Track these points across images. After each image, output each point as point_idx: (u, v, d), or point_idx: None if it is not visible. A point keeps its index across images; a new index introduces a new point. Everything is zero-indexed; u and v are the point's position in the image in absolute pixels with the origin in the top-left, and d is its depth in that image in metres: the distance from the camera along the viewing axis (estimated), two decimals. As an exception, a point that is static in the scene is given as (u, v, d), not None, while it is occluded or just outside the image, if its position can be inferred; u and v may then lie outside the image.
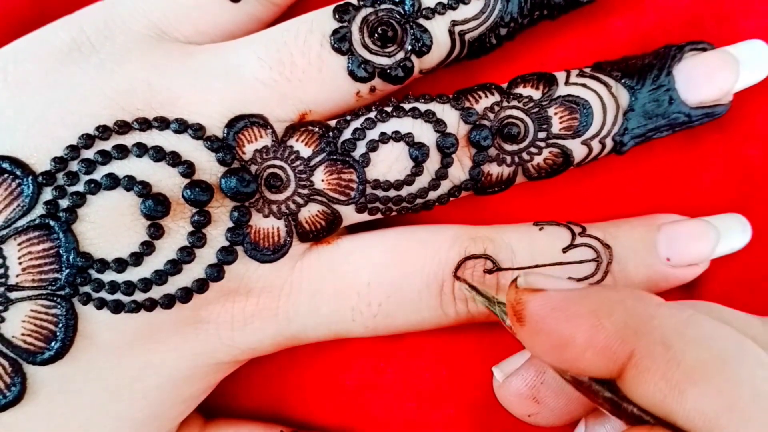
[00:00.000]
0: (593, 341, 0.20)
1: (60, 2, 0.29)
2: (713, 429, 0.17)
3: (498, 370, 0.26)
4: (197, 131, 0.25)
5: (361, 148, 0.27)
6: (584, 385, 0.21)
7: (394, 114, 0.27)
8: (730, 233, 0.29)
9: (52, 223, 0.24)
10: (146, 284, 0.25)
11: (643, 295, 0.21)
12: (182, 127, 0.25)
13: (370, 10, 0.27)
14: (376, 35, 0.27)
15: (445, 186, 0.27)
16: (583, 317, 0.20)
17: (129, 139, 0.25)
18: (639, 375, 0.19)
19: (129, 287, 0.24)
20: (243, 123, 0.26)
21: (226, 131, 0.26)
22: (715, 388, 0.18)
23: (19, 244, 0.24)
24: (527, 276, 0.23)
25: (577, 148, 0.27)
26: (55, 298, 0.24)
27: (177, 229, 0.25)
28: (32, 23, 0.28)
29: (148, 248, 0.25)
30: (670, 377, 0.18)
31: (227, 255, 0.25)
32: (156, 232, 0.25)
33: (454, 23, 0.27)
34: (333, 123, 0.27)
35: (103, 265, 0.24)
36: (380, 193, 0.27)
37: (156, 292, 0.25)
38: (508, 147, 0.27)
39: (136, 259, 0.25)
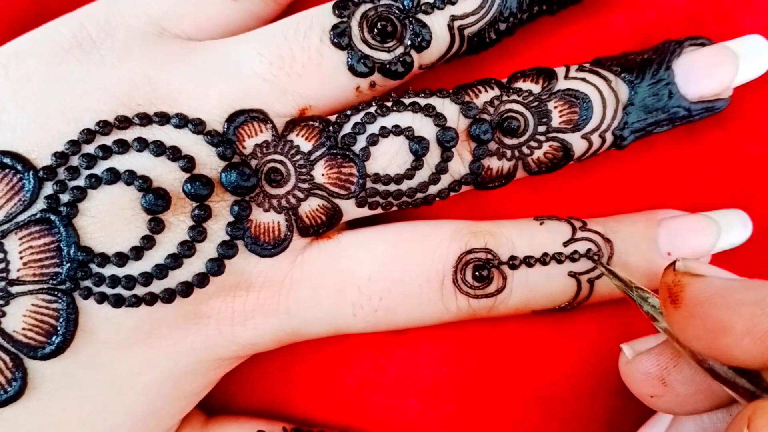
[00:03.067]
0: (753, 329, 0.20)
1: (60, 1, 0.29)
2: None
3: (628, 347, 0.26)
4: (197, 126, 0.25)
5: (361, 142, 0.27)
6: (722, 374, 0.21)
7: (394, 108, 0.27)
8: (731, 228, 0.29)
9: (53, 217, 0.24)
10: (147, 278, 0.25)
11: None
12: (182, 121, 0.25)
13: (369, 5, 0.27)
14: (375, 30, 0.27)
15: (445, 180, 0.27)
16: (745, 305, 0.20)
17: (129, 134, 0.25)
18: None
19: (130, 281, 0.24)
20: (243, 118, 0.26)
21: (226, 126, 0.26)
22: None
23: (20, 239, 0.24)
24: (686, 261, 0.23)
25: (577, 142, 0.27)
26: (55, 293, 0.24)
27: (177, 224, 0.25)
28: (33, 22, 0.28)
29: (148, 242, 0.25)
30: None
31: (228, 249, 0.25)
32: (156, 226, 0.25)
33: (454, 18, 0.27)
34: (333, 118, 0.27)
35: (103, 259, 0.24)
36: (380, 187, 0.27)
37: (156, 287, 0.25)
38: (508, 141, 0.27)
39: (137, 253, 0.25)
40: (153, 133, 0.25)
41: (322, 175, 0.26)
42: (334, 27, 0.27)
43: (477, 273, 0.27)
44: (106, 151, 0.25)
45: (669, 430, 0.27)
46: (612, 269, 0.27)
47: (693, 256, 0.29)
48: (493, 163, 0.27)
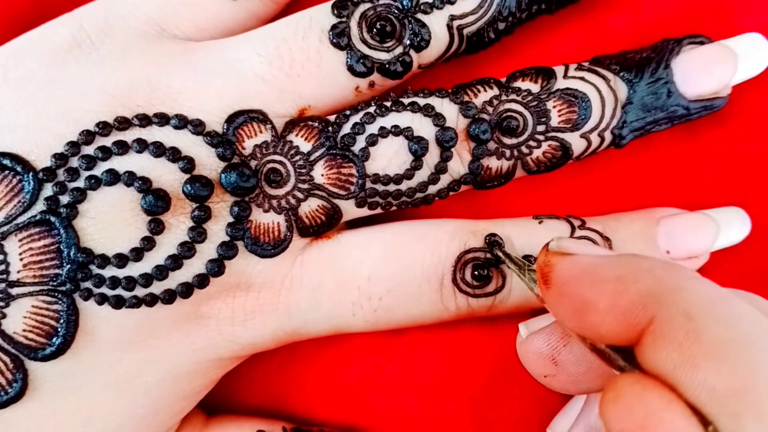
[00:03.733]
0: (615, 306, 0.19)
1: (60, 1, 0.29)
2: (720, 408, 0.17)
3: (524, 326, 0.26)
4: (197, 127, 0.25)
5: (360, 142, 0.27)
6: (603, 352, 0.20)
7: (393, 108, 0.27)
8: (730, 226, 0.29)
9: (52, 219, 0.24)
10: (147, 279, 0.25)
11: (676, 266, 0.20)
12: (182, 122, 0.25)
13: (368, 5, 0.27)
14: (374, 30, 0.27)
15: (444, 180, 0.27)
16: (608, 282, 0.20)
17: (129, 135, 0.25)
18: (654, 342, 0.18)
19: (130, 282, 0.25)
20: (243, 118, 0.26)
21: (225, 127, 0.26)
22: (730, 368, 0.17)
23: (20, 240, 0.24)
24: (560, 240, 0.23)
25: (576, 141, 0.28)
26: (56, 294, 0.24)
27: (177, 225, 0.25)
28: (32, 22, 0.28)
29: (148, 243, 0.25)
30: (686, 349, 0.17)
31: (228, 250, 0.25)
32: (156, 227, 0.25)
33: (453, 18, 0.27)
34: (332, 118, 0.27)
35: (103, 260, 0.24)
36: (380, 187, 0.27)
37: (157, 288, 0.25)
38: (508, 140, 0.27)
39: (137, 254, 0.25)
40: (152, 134, 0.25)
41: (322, 175, 0.26)
42: (333, 27, 0.27)
43: (476, 272, 0.27)
44: (106, 153, 0.25)
45: (581, 413, 0.27)
46: (506, 251, 0.27)
47: (692, 254, 0.29)
48: (493, 163, 0.27)
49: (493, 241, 0.28)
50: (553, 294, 0.21)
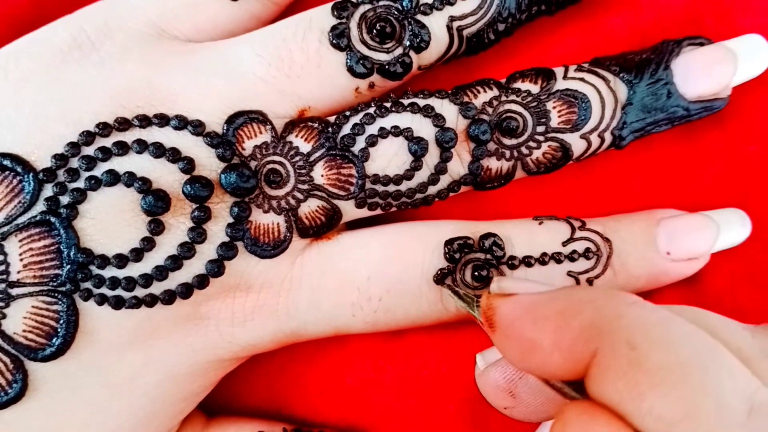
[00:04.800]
0: (559, 343, 0.19)
1: (60, 2, 0.29)
2: None
3: (481, 357, 0.26)
4: (197, 127, 0.25)
5: (360, 143, 0.27)
6: (555, 385, 0.20)
7: (393, 109, 0.27)
8: (730, 227, 0.29)
9: (52, 219, 0.24)
10: (147, 280, 0.25)
11: (616, 294, 0.20)
12: (182, 123, 0.25)
13: (368, 6, 0.27)
14: (374, 31, 0.27)
15: (444, 181, 0.27)
16: (549, 319, 0.20)
17: (129, 136, 0.25)
18: (600, 374, 0.18)
19: (129, 283, 0.25)
20: (242, 119, 0.26)
21: (225, 127, 0.26)
22: (676, 394, 0.17)
23: (20, 241, 0.24)
24: (500, 281, 0.23)
25: (576, 142, 0.28)
26: (56, 294, 0.24)
27: (177, 225, 0.25)
28: (32, 23, 0.28)
29: (148, 244, 0.25)
30: (630, 378, 0.17)
31: (227, 250, 0.25)
32: (156, 227, 0.25)
33: (452, 19, 0.27)
34: (332, 119, 0.27)
35: (103, 261, 0.24)
36: (380, 187, 0.27)
37: (156, 288, 0.25)
38: (507, 141, 0.27)
39: (137, 254, 0.25)
40: (152, 134, 0.25)
41: (322, 176, 0.26)
42: (333, 28, 0.27)
43: (476, 273, 0.27)
44: (106, 153, 0.25)
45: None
46: (455, 288, 0.27)
47: (692, 255, 0.29)
48: (492, 164, 0.27)
49: (443, 274, 0.27)
50: (498, 336, 0.21)
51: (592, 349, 0.18)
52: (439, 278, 0.27)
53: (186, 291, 0.25)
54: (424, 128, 0.27)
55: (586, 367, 0.19)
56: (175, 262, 0.25)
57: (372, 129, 0.27)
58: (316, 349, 0.32)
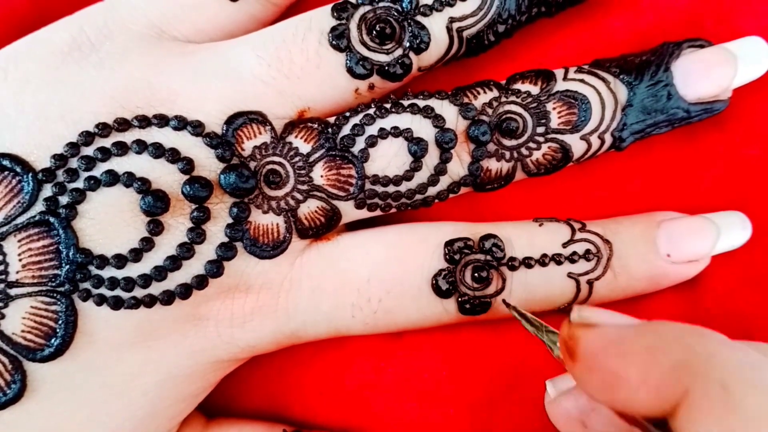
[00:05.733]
0: (647, 380, 0.19)
1: (60, 3, 0.29)
2: None
3: (551, 384, 0.26)
4: (196, 128, 0.25)
5: (360, 143, 0.27)
6: (637, 421, 0.20)
7: (393, 110, 0.27)
8: (730, 230, 0.29)
9: (51, 219, 0.24)
10: (146, 280, 0.25)
11: (705, 332, 0.20)
12: (181, 124, 0.25)
13: (368, 7, 0.27)
14: (374, 32, 0.27)
15: (444, 182, 0.27)
16: (637, 354, 0.19)
17: (128, 137, 0.25)
18: (691, 415, 0.18)
19: (128, 283, 0.25)
20: (242, 120, 0.26)
21: (225, 128, 0.26)
22: None
23: (19, 241, 0.24)
24: (581, 311, 0.22)
25: (576, 143, 0.27)
26: (55, 295, 0.24)
27: (176, 226, 0.25)
28: (32, 23, 0.28)
29: (147, 244, 0.25)
30: (724, 421, 0.17)
31: (226, 251, 0.25)
32: (155, 228, 0.25)
33: (452, 20, 0.27)
34: (332, 120, 0.27)
35: (102, 261, 0.24)
36: (379, 188, 0.27)
37: (155, 289, 0.25)
38: (507, 142, 0.27)
39: (136, 255, 0.25)
40: (152, 135, 0.25)
41: (321, 176, 0.26)
42: (333, 29, 0.27)
43: (476, 274, 0.27)
44: (105, 153, 0.25)
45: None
46: (523, 312, 0.26)
47: (692, 257, 0.28)
48: (492, 165, 0.27)
49: (508, 304, 0.27)
50: (580, 368, 0.21)
51: (682, 388, 0.18)
52: (439, 289, 0.28)
53: (185, 291, 0.25)
54: (424, 129, 0.27)
55: (672, 405, 0.18)
56: (174, 263, 0.25)
57: (372, 130, 0.27)
58: (316, 350, 0.31)
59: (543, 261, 0.28)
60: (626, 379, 0.19)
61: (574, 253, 0.28)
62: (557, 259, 0.28)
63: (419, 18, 0.27)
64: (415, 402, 0.31)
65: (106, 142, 0.25)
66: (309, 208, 0.27)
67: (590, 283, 0.28)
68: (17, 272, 0.24)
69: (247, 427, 0.30)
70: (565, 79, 0.28)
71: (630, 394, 0.19)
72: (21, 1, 0.31)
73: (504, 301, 0.28)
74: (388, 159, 0.27)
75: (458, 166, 0.27)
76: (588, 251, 0.28)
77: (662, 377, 0.18)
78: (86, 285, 0.24)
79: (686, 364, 0.18)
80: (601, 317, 0.21)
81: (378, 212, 0.28)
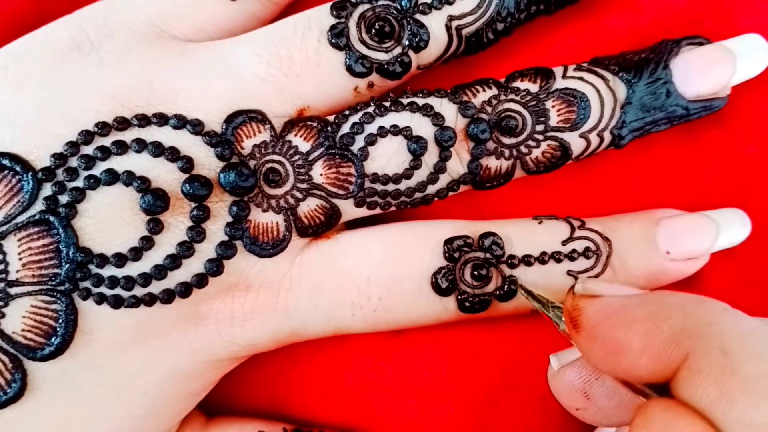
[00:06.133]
0: (649, 346, 0.19)
1: (60, 2, 0.29)
2: None
3: (555, 358, 0.26)
4: (196, 126, 0.25)
5: (359, 142, 0.27)
6: (638, 388, 0.21)
7: (392, 108, 0.27)
8: (730, 227, 0.29)
9: (51, 218, 0.24)
10: (146, 279, 0.25)
11: (706, 300, 0.20)
12: (181, 122, 0.25)
13: (367, 6, 0.27)
14: (373, 31, 0.27)
15: (443, 180, 0.27)
16: (639, 322, 0.20)
17: (128, 135, 0.25)
18: (690, 377, 0.18)
19: (128, 282, 0.25)
20: (242, 118, 0.26)
21: (224, 126, 0.26)
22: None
23: (19, 240, 0.24)
24: (585, 282, 0.23)
25: (575, 141, 0.28)
26: (55, 294, 0.24)
27: (176, 224, 0.25)
28: (32, 23, 0.28)
29: (147, 243, 0.25)
30: (722, 384, 0.17)
31: (226, 249, 0.25)
32: (155, 227, 0.25)
33: (451, 18, 0.27)
34: (331, 118, 0.27)
35: (102, 260, 0.24)
36: (379, 186, 0.27)
37: (155, 287, 0.25)
38: (507, 140, 0.27)
39: (136, 254, 0.25)
40: (151, 134, 0.25)
41: (321, 175, 0.26)
42: (332, 27, 0.27)
43: (476, 272, 0.27)
44: (105, 152, 0.25)
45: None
46: (529, 289, 0.27)
47: (692, 255, 0.29)
48: (492, 163, 0.27)
49: (514, 280, 0.28)
50: (583, 338, 0.21)
51: (682, 353, 0.19)
52: (511, 281, 0.28)
53: (185, 290, 0.25)
54: (424, 127, 0.27)
55: (673, 370, 0.19)
56: (174, 261, 0.25)
57: (371, 128, 0.27)
58: (316, 349, 0.31)
59: (542, 259, 0.28)
60: (628, 346, 0.20)
61: (574, 250, 0.28)
62: (557, 257, 0.28)
63: (418, 16, 0.27)
64: (415, 400, 0.31)
65: (106, 141, 0.25)
66: (309, 206, 0.27)
67: (590, 280, 0.28)
68: (17, 271, 0.24)
69: (248, 426, 0.30)
70: (564, 77, 0.28)
71: (632, 361, 0.20)
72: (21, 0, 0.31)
73: (510, 278, 0.28)
74: (387, 157, 0.27)
75: (458, 164, 0.27)
76: (587, 249, 0.28)
77: (663, 344, 0.19)
78: (86, 284, 0.24)
79: (687, 330, 0.19)
80: (604, 288, 0.22)
81: (378, 210, 0.28)
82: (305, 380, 0.32)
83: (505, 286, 0.27)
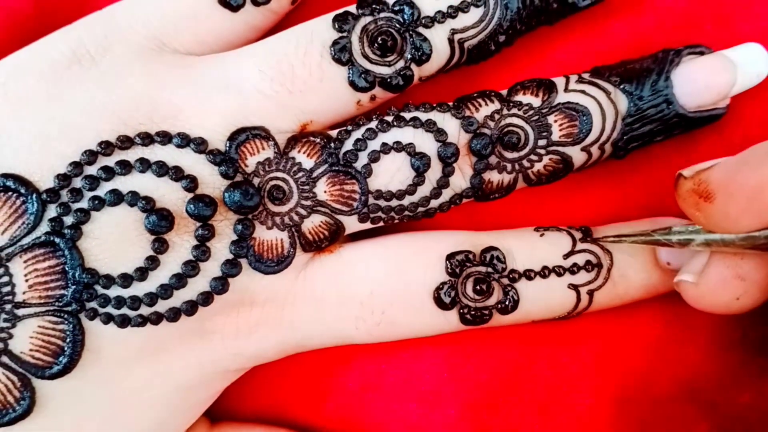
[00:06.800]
0: None
1: (61, 3, 0.29)
2: None
3: (686, 274, 0.26)
4: (200, 145, 0.25)
5: (362, 158, 0.27)
6: None
7: (395, 124, 0.27)
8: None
9: (57, 240, 0.24)
10: (152, 298, 0.25)
11: None
12: (185, 141, 0.25)
13: (369, 19, 0.27)
14: (376, 45, 0.27)
15: (446, 194, 0.27)
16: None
17: (132, 155, 0.25)
18: None
19: (135, 302, 0.25)
20: (245, 136, 0.26)
21: (228, 144, 0.26)
22: None
23: (25, 262, 0.24)
24: (691, 168, 0.24)
25: (576, 155, 0.28)
26: (62, 314, 0.24)
27: (181, 243, 0.25)
28: (33, 23, 0.27)
29: (152, 263, 0.25)
30: None
31: (231, 268, 0.26)
32: (160, 246, 0.25)
33: (454, 31, 0.27)
34: (334, 133, 0.27)
35: (108, 280, 0.24)
36: (382, 203, 0.27)
37: (161, 306, 0.25)
38: (509, 155, 0.27)
39: (141, 273, 0.25)
40: (155, 153, 0.25)
41: (325, 192, 0.27)
42: (335, 42, 0.27)
43: (478, 286, 0.28)
44: (109, 173, 0.25)
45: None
46: (626, 234, 0.27)
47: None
48: (494, 177, 0.28)
49: (597, 238, 0.28)
50: (720, 201, 0.22)
51: None
52: (441, 302, 0.28)
53: (191, 308, 0.25)
54: (426, 143, 0.27)
55: None
56: (180, 281, 0.25)
57: (374, 144, 0.27)
58: (318, 353, 0.31)
59: (544, 273, 0.28)
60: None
61: (575, 264, 0.28)
62: (558, 270, 0.28)
63: (421, 29, 0.27)
64: (417, 403, 0.32)
65: (110, 161, 0.25)
66: (313, 222, 0.27)
67: (590, 293, 0.28)
68: (24, 293, 0.24)
69: (250, 431, 0.31)
70: (566, 90, 0.28)
71: None
72: (22, 1, 0.31)
73: (589, 233, 0.29)
74: (391, 174, 0.27)
75: (460, 179, 0.27)
76: (588, 262, 0.28)
77: None
78: (93, 304, 0.24)
79: None
80: (708, 163, 0.23)
81: (381, 224, 0.28)
82: (307, 384, 0.32)
83: (507, 300, 0.28)
